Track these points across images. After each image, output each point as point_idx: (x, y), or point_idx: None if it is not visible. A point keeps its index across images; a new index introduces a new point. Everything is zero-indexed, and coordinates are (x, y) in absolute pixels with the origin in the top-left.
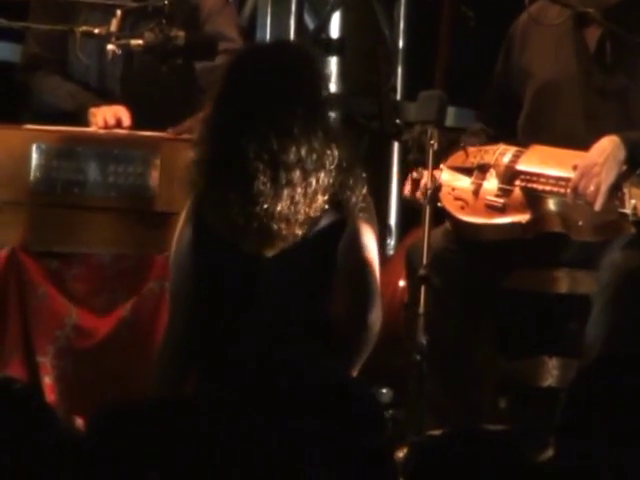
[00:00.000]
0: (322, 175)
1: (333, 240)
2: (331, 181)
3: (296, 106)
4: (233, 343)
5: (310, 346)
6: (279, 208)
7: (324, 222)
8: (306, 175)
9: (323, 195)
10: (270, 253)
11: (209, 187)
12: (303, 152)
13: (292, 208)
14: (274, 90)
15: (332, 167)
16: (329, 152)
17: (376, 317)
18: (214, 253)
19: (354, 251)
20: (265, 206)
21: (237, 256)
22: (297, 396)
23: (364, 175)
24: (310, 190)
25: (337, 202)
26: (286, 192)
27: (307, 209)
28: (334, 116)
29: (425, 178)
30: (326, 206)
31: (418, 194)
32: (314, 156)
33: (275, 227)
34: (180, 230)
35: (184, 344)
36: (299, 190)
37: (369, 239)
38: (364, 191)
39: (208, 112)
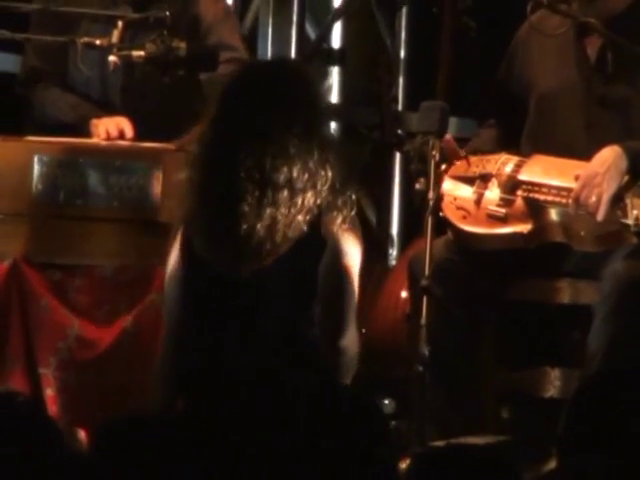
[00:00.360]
0: (309, 195)
1: (312, 261)
2: (319, 201)
3: (293, 126)
4: (217, 360)
5: (295, 362)
6: (259, 227)
7: (304, 242)
8: (293, 195)
9: (306, 215)
10: (248, 272)
11: (198, 206)
12: (295, 172)
13: (272, 227)
14: (271, 110)
15: (324, 188)
16: (323, 172)
17: (349, 342)
18: (198, 272)
19: (331, 274)
20: (245, 225)
21: (217, 274)
22: (295, 410)
23: (354, 197)
24: (294, 210)
25: (320, 222)
26: (269, 211)
27: (287, 229)
28: (334, 127)
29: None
30: (305, 227)
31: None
32: (306, 176)
33: (254, 246)
34: (172, 248)
35: (177, 361)
36: (282, 210)
37: (349, 262)
38: (352, 213)
39: (203, 131)
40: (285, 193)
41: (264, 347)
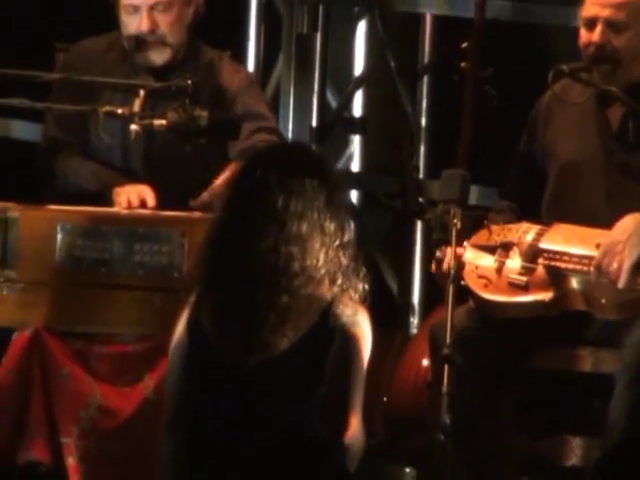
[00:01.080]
0: (324, 283)
1: (321, 351)
2: (334, 289)
3: (309, 213)
4: (221, 449)
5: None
6: (272, 316)
7: (314, 332)
8: (308, 283)
9: (319, 303)
10: (256, 362)
11: (209, 289)
12: (310, 260)
13: (285, 317)
14: (286, 196)
15: (338, 274)
16: (336, 260)
17: (354, 437)
18: (204, 353)
19: (338, 371)
20: (257, 315)
21: (223, 362)
22: None
23: (366, 286)
24: (308, 299)
25: (330, 311)
26: (282, 300)
27: (300, 318)
28: (356, 195)
29: (448, 256)
30: (317, 317)
31: (444, 266)
32: (321, 263)
33: (265, 337)
34: (180, 319)
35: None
36: (296, 299)
37: (357, 357)
38: (364, 300)
39: (218, 213)
40: (300, 281)
41: (267, 438)
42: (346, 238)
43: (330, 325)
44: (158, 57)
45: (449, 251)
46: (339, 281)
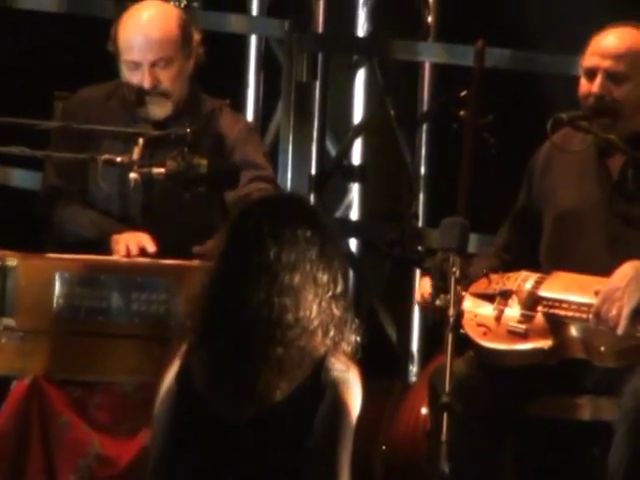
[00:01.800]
0: (318, 335)
1: (312, 407)
2: (327, 341)
3: (302, 264)
4: None
5: None
6: (265, 369)
7: (306, 386)
8: (301, 335)
9: (312, 356)
10: (249, 414)
11: (201, 340)
12: (303, 312)
13: (279, 370)
14: (277, 248)
15: (330, 326)
16: (329, 311)
17: None
18: (193, 403)
19: (326, 428)
20: (251, 367)
21: (214, 414)
22: None
23: (359, 339)
24: (300, 351)
25: (322, 366)
26: (276, 352)
27: (293, 371)
28: (355, 243)
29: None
30: (309, 370)
31: (417, 297)
32: (314, 315)
33: (258, 390)
34: (167, 377)
35: None
36: (290, 351)
37: (344, 415)
38: (356, 352)
39: (211, 264)
40: (293, 333)
41: None
42: (339, 289)
43: (322, 379)
44: (159, 111)
45: (424, 282)
46: (331, 333)
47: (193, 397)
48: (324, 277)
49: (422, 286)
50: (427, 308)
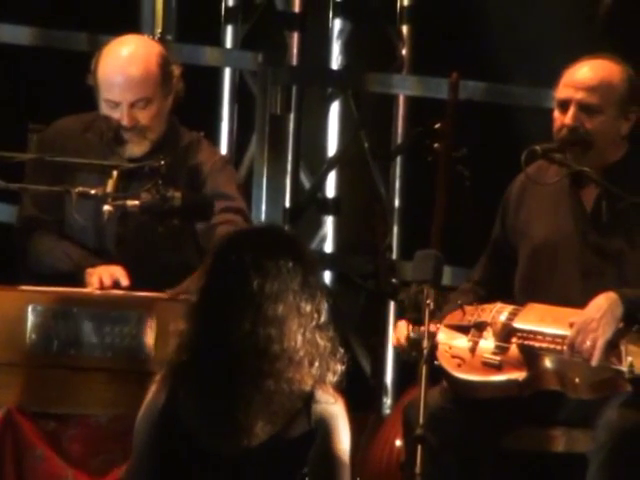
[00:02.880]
0: (304, 366)
1: (302, 440)
2: (313, 372)
3: (285, 293)
4: None
5: None
6: (256, 401)
7: (295, 420)
8: (288, 366)
9: (299, 388)
10: (238, 448)
11: (187, 373)
12: (287, 342)
13: (268, 401)
14: (260, 279)
15: (315, 356)
16: (314, 342)
17: None
18: (176, 434)
19: (323, 463)
20: (242, 399)
21: (202, 448)
22: None
23: (343, 368)
24: (288, 383)
25: (311, 398)
26: (266, 384)
27: (283, 403)
28: (329, 276)
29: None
30: (300, 403)
31: (394, 342)
32: (299, 345)
33: (248, 422)
34: (147, 407)
35: None
36: (279, 382)
37: (341, 448)
38: (340, 382)
39: (195, 296)
40: (281, 364)
41: None
42: (322, 319)
43: (311, 413)
44: (137, 149)
45: (400, 325)
46: (317, 363)
47: (178, 429)
48: (307, 307)
49: (398, 330)
50: (403, 352)
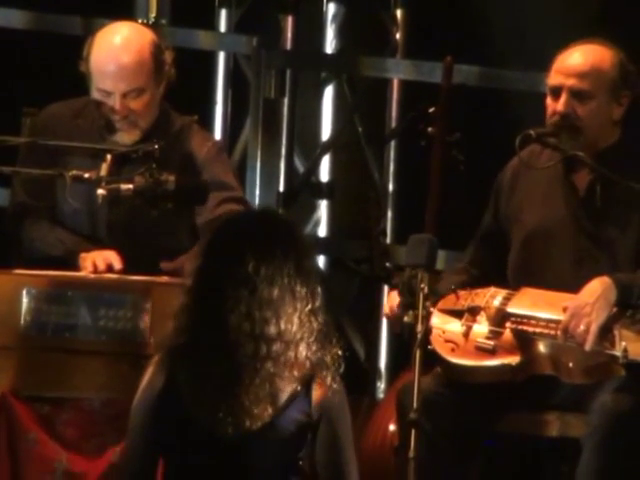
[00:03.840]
0: (301, 349)
1: (302, 422)
2: (309, 355)
3: (279, 278)
4: None
5: None
6: (257, 382)
7: (295, 402)
8: (286, 349)
9: (299, 371)
10: (239, 432)
11: (185, 356)
12: (284, 324)
13: (268, 384)
14: (255, 262)
15: (312, 340)
16: (309, 325)
17: None
18: (175, 416)
19: (331, 451)
20: (242, 382)
21: (201, 431)
22: None
23: (340, 352)
24: (287, 366)
25: (311, 381)
26: (265, 367)
27: (283, 385)
28: (323, 260)
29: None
30: (299, 386)
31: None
32: (295, 328)
33: (249, 405)
34: (144, 389)
35: None
36: (278, 365)
37: (345, 431)
38: (338, 366)
39: (192, 279)
40: (278, 347)
41: None
42: (317, 303)
43: (311, 396)
44: (128, 138)
45: (392, 295)
46: (314, 347)
47: (177, 415)
48: (302, 291)
49: (390, 299)
50: (394, 322)
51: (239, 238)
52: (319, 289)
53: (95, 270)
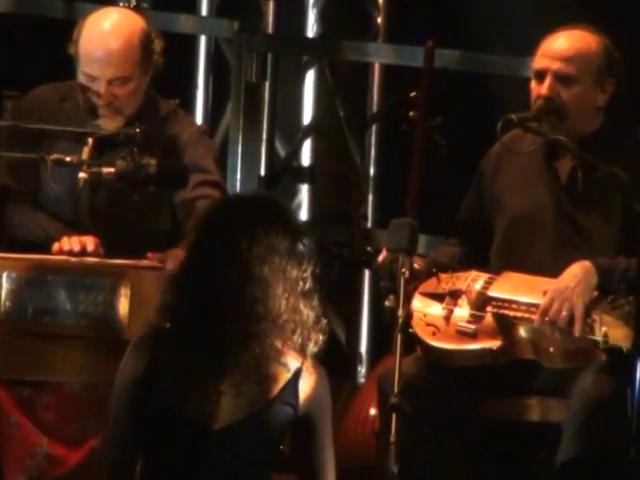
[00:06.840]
0: (286, 332)
1: (287, 417)
2: (295, 338)
3: (270, 259)
4: None
5: None
6: (243, 360)
7: (282, 399)
8: (271, 330)
9: (282, 354)
10: (221, 419)
11: (171, 337)
12: (271, 305)
13: (255, 364)
14: (248, 240)
15: (298, 324)
16: (297, 308)
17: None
18: (158, 402)
19: (310, 452)
20: (227, 362)
21: (185, 416)
22: None
23: (324, 336)
24: (273, 349)
25: (299, 370)
26: (252, 345)
27: (268, 368)
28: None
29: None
30: (289, 376)
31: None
32: (282, 309)
33: (233, 391)
34: (129, 363)
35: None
36: (264, 345)
37: (325, 419)
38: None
39: (182, 260)
40: (264, 326)
41: None
42: (307, 287)
43: (298, 386)
44: (111, 125)
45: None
46: (298, 331)
47: (160, 399)
48: (293, 272)
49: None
50: (382, 271)
51: (233, 218)
52: (310, 273)
53: (68, 251)
